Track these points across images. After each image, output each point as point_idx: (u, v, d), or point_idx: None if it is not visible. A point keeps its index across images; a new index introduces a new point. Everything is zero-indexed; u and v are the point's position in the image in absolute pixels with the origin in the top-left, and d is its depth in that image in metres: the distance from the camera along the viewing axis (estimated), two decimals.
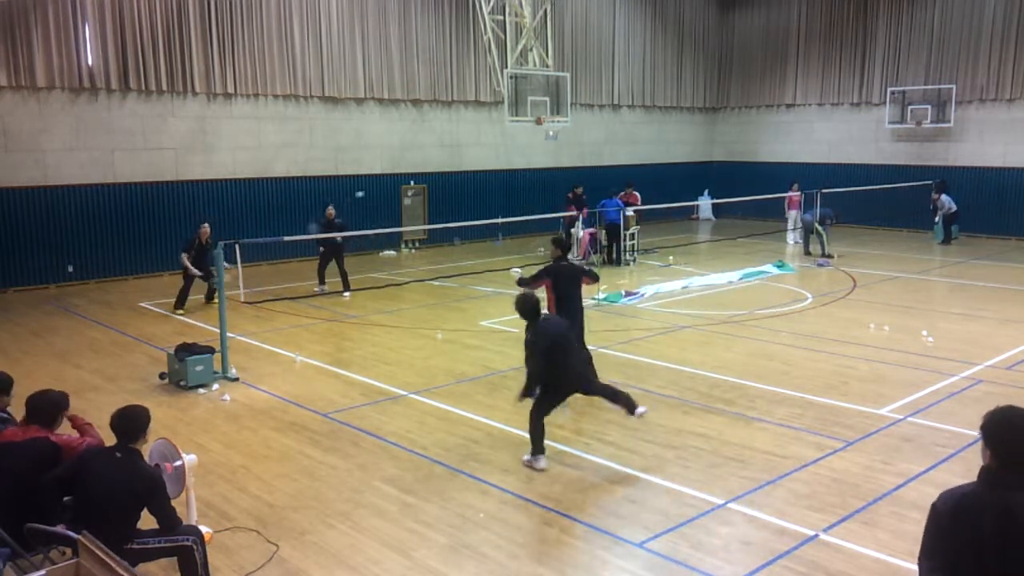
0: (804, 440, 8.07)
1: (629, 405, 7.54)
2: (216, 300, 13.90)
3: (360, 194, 20.13)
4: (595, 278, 10.11)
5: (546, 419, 7.51)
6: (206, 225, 14.61)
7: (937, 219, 22.32)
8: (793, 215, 22.40)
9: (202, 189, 18.31)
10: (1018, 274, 17.53)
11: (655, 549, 6.00)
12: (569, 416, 8.59)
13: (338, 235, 15.11)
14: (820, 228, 19.49)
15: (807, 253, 20.00)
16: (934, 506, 3.36)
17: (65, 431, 5.57)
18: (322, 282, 15.67)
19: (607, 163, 26.18)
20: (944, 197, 22.11)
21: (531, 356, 7.46)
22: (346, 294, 15.12)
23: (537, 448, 7.47)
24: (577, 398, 8.06)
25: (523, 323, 7.72)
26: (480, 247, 21.99)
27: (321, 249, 15.87)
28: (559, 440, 8.08)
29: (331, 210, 15.49)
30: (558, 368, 7.39)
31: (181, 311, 14.25)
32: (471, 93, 22.55)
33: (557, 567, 5.79)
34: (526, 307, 7.56)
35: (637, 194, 20.61)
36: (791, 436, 8.18)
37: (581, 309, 9.43)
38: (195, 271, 14.22)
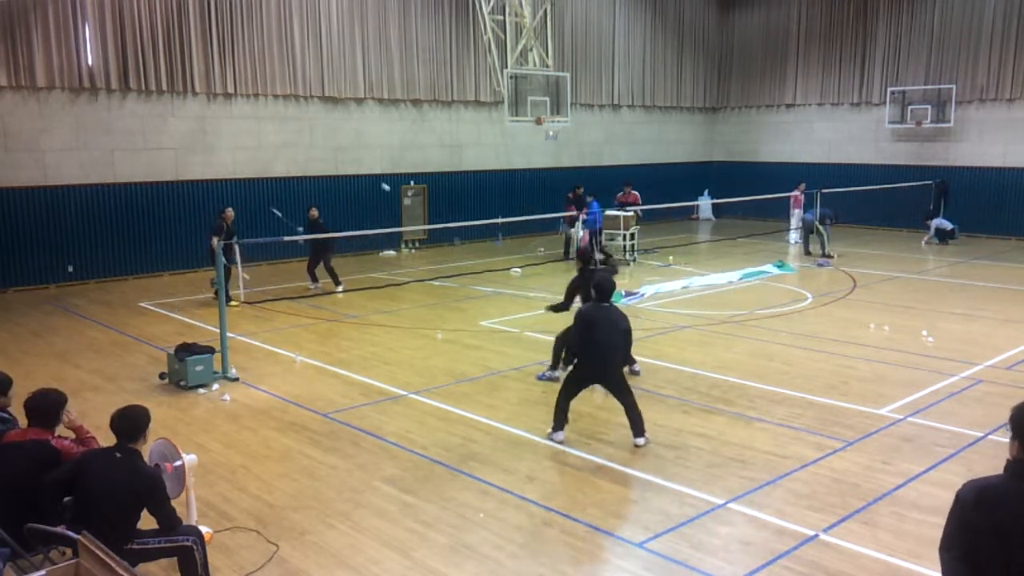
0: (804, 440, 8.07)
1: (636, 428, 7.91)
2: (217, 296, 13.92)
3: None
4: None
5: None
6: (230, 209, 14.61)
7: (931, 231, 22.25)
8: (797, 214, 22.34)
9: (202, 189, 18.29)
10: (1018, 274, 17.53)
11: (655, 549, 6.00)
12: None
13: (334, 235, 15.17)
14: (821, 228, 19.49)
15: (807, 253, 19.99)
16: (958, 495, 3.36)
17: (63, 434, 5.56)
18: (314, 280, 15.82)
19: (607, 163, 26.17)
20: (934, 223, 22.06)
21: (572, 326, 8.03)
22: (339, 288, 15.16)
23: (555, 423, 8.02)
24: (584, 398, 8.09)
25: (522, 324, 7.78)
26: (480, 247, 21.98)
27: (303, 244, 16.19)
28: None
29: (314, 211, 15.66)
30: (586, 341, 7.82)
31: (235, 304, 13.68)
32: (471, 93, 22.54)
33: (557, 567, 5.78)
34: (593, 286, 8.08)
35: (636, 193, 20.59)
36: (791, 436, 8.18)
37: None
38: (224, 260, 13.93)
